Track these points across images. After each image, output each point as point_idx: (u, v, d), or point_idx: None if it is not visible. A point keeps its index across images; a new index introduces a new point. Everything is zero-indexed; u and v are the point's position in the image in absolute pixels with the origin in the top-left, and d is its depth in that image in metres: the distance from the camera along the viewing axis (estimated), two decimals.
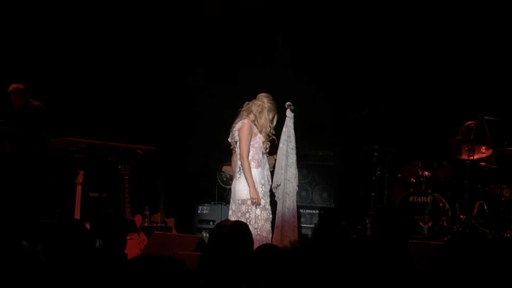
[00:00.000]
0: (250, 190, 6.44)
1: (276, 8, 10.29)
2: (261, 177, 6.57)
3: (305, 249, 3.19)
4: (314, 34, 10.22)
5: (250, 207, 6.50)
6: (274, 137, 6.72)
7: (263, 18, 10.24)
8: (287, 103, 6.88)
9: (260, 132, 6.58)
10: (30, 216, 7.81)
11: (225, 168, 9.28)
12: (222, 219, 9.39)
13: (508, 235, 8.22)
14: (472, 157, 8.53)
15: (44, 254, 3.57)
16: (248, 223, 6.32)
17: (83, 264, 3.42)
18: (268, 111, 6.61)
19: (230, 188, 9.03)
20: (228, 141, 6.82)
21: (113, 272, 2.32)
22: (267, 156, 6.74)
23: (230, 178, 9.05)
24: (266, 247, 3.98)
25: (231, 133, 6.68)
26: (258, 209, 6.48)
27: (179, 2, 10.46)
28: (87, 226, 3.87)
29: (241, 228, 3.61)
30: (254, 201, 6.44)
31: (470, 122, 9.01)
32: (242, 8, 10.23)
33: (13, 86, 8.97)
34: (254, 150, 6.54)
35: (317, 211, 9.56)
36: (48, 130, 8.98)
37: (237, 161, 6.65)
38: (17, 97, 8.96)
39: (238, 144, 6.57)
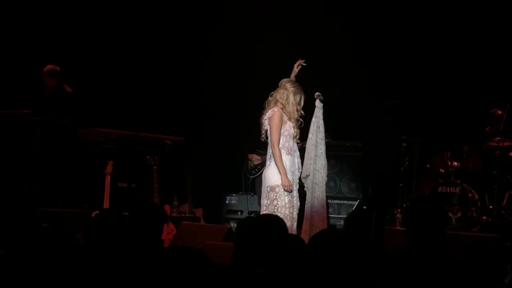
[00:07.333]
0: (281, 177, 6.41)
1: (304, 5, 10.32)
2: (291, 164, 6.54)
3: (335, 238, 3.20)
4: (343, 27, 10.19)
5: (278, 195, 6.45)
6: (302, 120, 6.69)
7: (294, 14, 10.27)
8: (316, 93, 6.85)
9: (289, 119, 6.57)
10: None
11: (250, 156, 9.23)
12: (250, 209, 9.47)
13: None
14: (502, 144, 8.50)
15: (84, 243, 3.61)
16: (275, 211, 6.33)
17: (121, 253, 3.46)
18: (294, 94, 6.57)
19: (252, 178, 9.05)
20: (256, 130, 6.80)
21: (145, 263, 2.35)
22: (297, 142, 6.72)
23: (254, 167, 9.03)
24: (292, 238, 3.97)
25: (261, 123, 6.67)
26: (287, 197, 6.45)
27: None
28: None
29: (274, 221, 3.60)
30: (286, 188, 6.40)
31: (495, 109, 8.96)
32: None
33: (48, 67, 8.82)
34: (284, 138, 6.52)
35: (345, 202, 9.55)
36: (75, 118, 8.88)
37: (268, 149, 6.63)
38: (50, 78, 8.79)
39: (268, 132, 6.56)
